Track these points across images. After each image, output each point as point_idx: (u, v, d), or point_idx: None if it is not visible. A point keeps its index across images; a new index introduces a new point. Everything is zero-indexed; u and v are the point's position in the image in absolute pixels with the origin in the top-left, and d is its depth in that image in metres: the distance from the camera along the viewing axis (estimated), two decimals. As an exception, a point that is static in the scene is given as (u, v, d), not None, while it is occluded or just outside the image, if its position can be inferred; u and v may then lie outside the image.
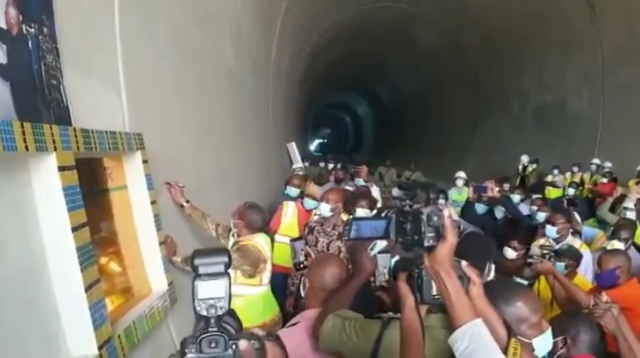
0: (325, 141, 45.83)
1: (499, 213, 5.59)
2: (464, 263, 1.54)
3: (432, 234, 1.44)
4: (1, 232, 1.81)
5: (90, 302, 2.11)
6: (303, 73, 15.96)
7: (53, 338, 2.03)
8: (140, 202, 3.01)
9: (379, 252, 2.07)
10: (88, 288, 2.10)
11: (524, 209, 6.10)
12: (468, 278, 1.53)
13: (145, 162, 3.00)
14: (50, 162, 1.99)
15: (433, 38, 17.31)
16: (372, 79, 27.16)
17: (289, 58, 11.65)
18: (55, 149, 1.99)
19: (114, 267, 3.02)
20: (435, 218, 1.43)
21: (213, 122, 5.28)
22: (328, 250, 3.97)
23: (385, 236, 1.51)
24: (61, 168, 2.02)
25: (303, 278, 2.45)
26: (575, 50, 12.08)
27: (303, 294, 2.43)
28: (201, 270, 1.03)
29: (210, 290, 1.02)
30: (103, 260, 2.93)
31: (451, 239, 1.43)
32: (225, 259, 1.05)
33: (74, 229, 2.06)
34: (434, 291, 1.52)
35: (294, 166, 9.45)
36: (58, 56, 2.17)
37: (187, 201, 3.65)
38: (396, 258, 1.74)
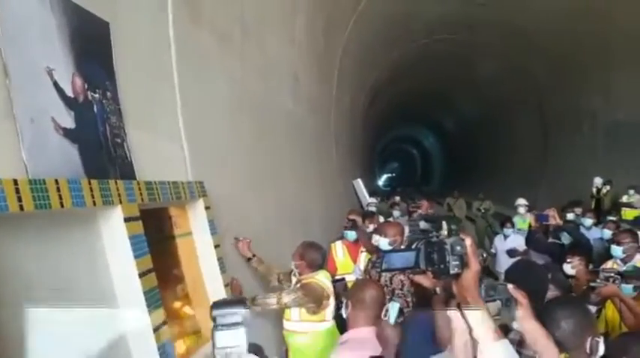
0: (393, 175, 45.69)
1: (565, 239, 5.43)
2: (510, 286, 1.58)
3: (456, 263, 1.49)
4: (76, 280, 1.98)
5: (158, 343, 2.23)
6: (366, 109, 16.16)
7: (125, 378, 2.16)
8: (204, 247, 3.17)
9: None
10: (155, 329, 2.24)
11: (597, 233, 5.88)
12: (515, 300, 1.59)
13: (207, 208, 3.16)
14: (116, 214, 2.16)
15: (494, 65, 17.10)
16: (437, 110, 27.06)
17: (350, 95, 11.85)
18: (121, 202, 2.16)
19: (187, 310, 3.17)
20: (458, 247, 1.49)
21: (275, 164, 5.46)
22: (391, 284, 3.96)
23: (415, 266, 1.57)
24: (127, 219, 2.19)
25: (345, 300, 2.56)
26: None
27: (345, 316, 2.54)
28: (219, 321, 1.12)
29: (227, 339, 1.11)
30: (176, 304, 3.08)
31: (474, 266, 1.48)
32: (242, 310, 1.14)
33: (141, 275, 2.21)
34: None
35: (368, 201, 9.40)
36: (121, 116, 2.37)
37: (254, 255, 3.78)
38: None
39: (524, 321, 1.60)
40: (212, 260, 3.18)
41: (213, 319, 1.21)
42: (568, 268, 4.22)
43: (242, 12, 4.56)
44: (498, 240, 7.28)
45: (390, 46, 13.94)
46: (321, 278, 3.56)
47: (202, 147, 3.39)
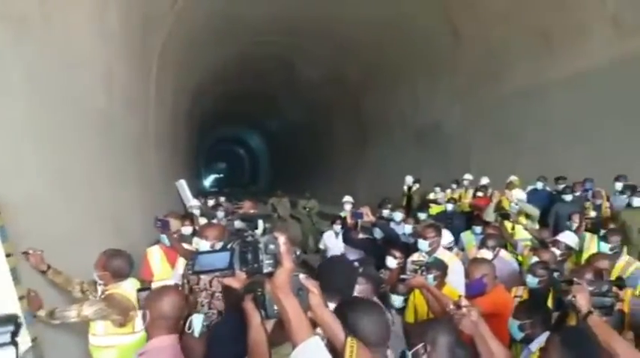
0: (221, 175, 45.30)
1: (377, 234, 5.79)
2: (302, 276, 1.65)
3: (270, 261, 1.51)
4: None
5: None
6: (190, 108, 15.77)
7: None
8: (-8, 257, 2.81)
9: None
10: None
11: (403, 228, 6.35)
12: (307, 289, 1.64)
13: (-6, 213, 2.81)
14: None
15: (316, 71, 17.90)
16: (262, 111, 27.51)
17: (172, 95, 11.46)
18: None
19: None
20: (272, 246, 1.50)
21: (87, 164, 5.07)
22: (211, 286, 3.90)
23: (229, 267, 1.54)
24: None
25: (143, 310, 2.39)
26: (443, 74, 13.02)
27: (143, 326, 2.38)
28: None
29: None
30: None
31: (287, 264, 1.51)
32: (11, 328, 1.06)
33: None
34: (276, 306, 1.60)
35: (189, 204, 8.96)
36: None
37: (49, 267, 3.47)
38: None
39: (317, 309, 1.66)
40: (2, 271, 2.83)
41: None
42: (392, 263, 4.50)
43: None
44: (328, 237, 7.48)
45: (213, 47, 13.81)
46: (127, 288, 3.37)
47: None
